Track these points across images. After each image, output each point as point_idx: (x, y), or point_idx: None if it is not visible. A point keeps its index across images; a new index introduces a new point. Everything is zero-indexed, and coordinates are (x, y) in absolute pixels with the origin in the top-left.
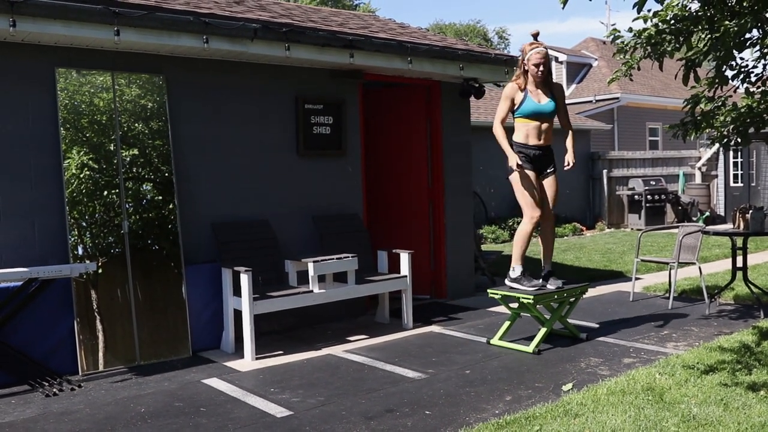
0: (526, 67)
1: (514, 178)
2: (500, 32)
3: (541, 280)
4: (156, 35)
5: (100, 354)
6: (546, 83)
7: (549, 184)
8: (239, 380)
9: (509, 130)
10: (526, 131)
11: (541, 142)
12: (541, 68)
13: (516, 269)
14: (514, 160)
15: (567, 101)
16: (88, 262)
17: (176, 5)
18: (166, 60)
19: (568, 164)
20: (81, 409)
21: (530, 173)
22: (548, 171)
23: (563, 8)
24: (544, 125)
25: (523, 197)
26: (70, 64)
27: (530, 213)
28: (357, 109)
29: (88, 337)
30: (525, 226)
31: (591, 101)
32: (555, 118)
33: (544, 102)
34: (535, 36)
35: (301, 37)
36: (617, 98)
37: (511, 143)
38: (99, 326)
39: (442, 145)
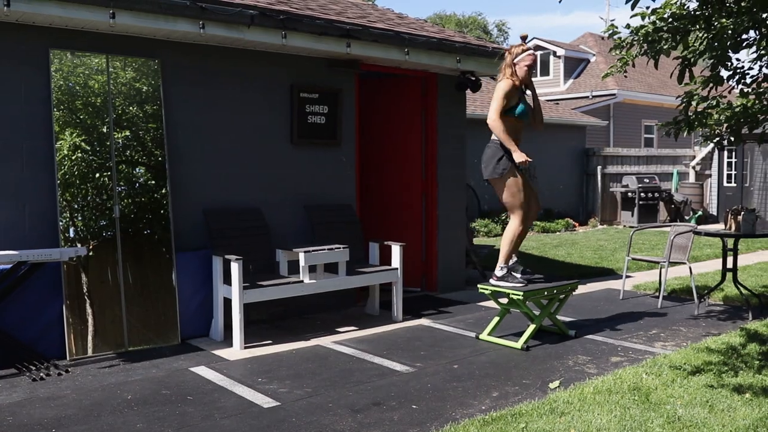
0: (515, 68)
1: (506, 179)
2: (500, 25)
3: (520, 275)
4: (152, 19)
5: (89, 339)
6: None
7: (530, 184)
8: (227, 369)
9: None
10: (514, 131)
11: (521, 143)
12: (532, 71)
13: (503, 268)
14: (522, 157)
15: (563, 96)
16: (78, 245)
17: None
18: (161, 44)
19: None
20: (68, 394)
21: (521, 175)
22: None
23: (560, 2)
24: (523, 126)
25: (514, 198)
26: (65, 45)
27: (521, 214)
28: (352, 99)
29: (77, 322)
30: (515, 227)
31: (587, 97)
32: None
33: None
34: (524, 38)
35: (298, 25)
36: (614, 94)
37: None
38: (88, 311)
39: (436, 138)
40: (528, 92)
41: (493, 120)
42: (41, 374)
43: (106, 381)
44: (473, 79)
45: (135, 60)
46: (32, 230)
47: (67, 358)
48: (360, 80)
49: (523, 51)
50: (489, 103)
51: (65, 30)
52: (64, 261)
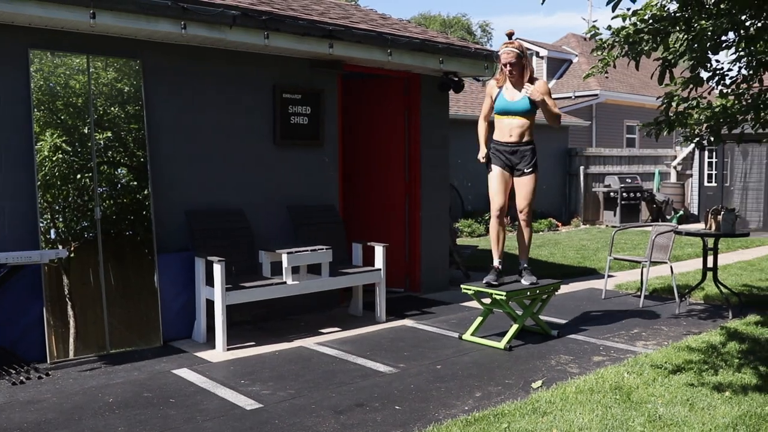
0: (501, 66)
1: (488, 175)
2: (484, 26)
3: (522, 278)
4: (133, 19)
5: (70, 341)
6: (522, 82)
7: (521, 183)
8: (210, 371)
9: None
10: (500, 128)
11: (513, 139)
12: (509, 67)
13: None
14: (480, 154)
15: None
16: (59, 247)
17: None
18: (143, 44)
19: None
20: (48, 398)
21: (497, 169)
22: (524, 170)
23: (542, 3)
24: (515, 122)
25: (489, 192)
26: (46, 45)
27: (492, 207)
28: (335, 99)
29: (58, 324)
30: (490, 221)
31: (570, 97)
32: (530, 116)
33: (515, 99)
34: (510, 35)
35: (281, 25)
36: (596, 95)
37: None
38: (69, 313)
39: (419, 138)
40: (530, 86)
41: (478, 123)
42: (21, 378)
43: (88, 384)
44: (456, 79)
45: (116, 60)
46: (12, 232)
47: (48, 361)
48: (343, 81)
49: (503, 48)
50: (473, 103)
51: (45, 30)
52: (45, 263)
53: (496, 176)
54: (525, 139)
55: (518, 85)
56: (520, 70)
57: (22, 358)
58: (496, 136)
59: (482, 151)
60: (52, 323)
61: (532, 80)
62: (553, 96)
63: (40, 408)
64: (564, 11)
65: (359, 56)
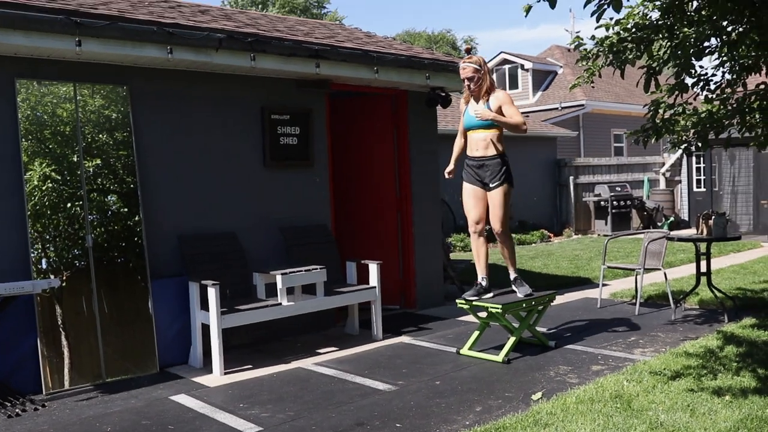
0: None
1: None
2: (468, 41)
3: (516, 289)
4: (119, 46)
5: (65, 371)
6: (485, 95)
7: (491, 199)
8: (208, 396)
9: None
10: (468, 143)
11: (478, 153)
12: (466, 82)
13: (483, 279)
14: (446, 168)
15: (533, 109)
16: (51, 277)
17: (140, 15)
18: (129, 70)
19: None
20: (45, 429)
21: (467, 186)
22: (490, 185)
23: (526, 16)
24: (479, 136)
25: (464, 209)
26: (32, 74)
27: (468, 223)
28: (324, 119)
29: (52, 354)
30: (471, 237)
31: (557, 108)
32: (491, 128)
33: (473, 113)
34: (468, 51)
35: (267, 47)
36: (582, 105)
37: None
38: (63, 342)
39: (409, 154)
40: (480, 107)
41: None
42: (17, 410)
43: (85, 414)
44: (443, 94)
45: (103, 87)
46: (3, 263)
47: (43, 393)
48: (331, 100)
49: (462, 64)
50: (460, 118)
51: (31, 59)
52: (37, 293)
53: (466, 193)
54: (490, 152)
55: (479, 99)
56: (479, 84)
57: (18, 391)
58: (467, 152)
59: (449, 167)
60: (46, 354)
61: (491, 91)
62: (540, 108)
63: None
64: (547, 23)
65: (346, 75)
